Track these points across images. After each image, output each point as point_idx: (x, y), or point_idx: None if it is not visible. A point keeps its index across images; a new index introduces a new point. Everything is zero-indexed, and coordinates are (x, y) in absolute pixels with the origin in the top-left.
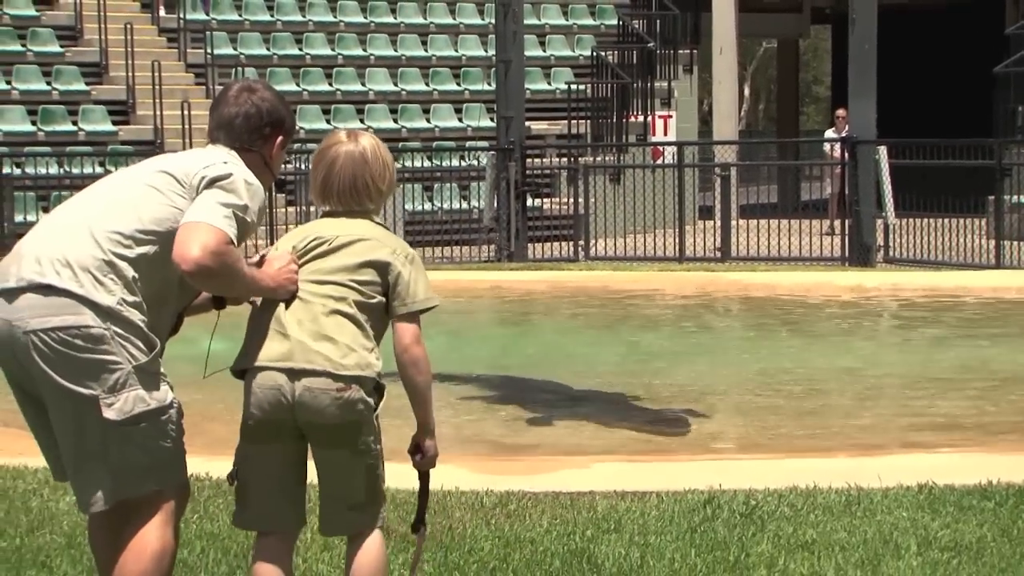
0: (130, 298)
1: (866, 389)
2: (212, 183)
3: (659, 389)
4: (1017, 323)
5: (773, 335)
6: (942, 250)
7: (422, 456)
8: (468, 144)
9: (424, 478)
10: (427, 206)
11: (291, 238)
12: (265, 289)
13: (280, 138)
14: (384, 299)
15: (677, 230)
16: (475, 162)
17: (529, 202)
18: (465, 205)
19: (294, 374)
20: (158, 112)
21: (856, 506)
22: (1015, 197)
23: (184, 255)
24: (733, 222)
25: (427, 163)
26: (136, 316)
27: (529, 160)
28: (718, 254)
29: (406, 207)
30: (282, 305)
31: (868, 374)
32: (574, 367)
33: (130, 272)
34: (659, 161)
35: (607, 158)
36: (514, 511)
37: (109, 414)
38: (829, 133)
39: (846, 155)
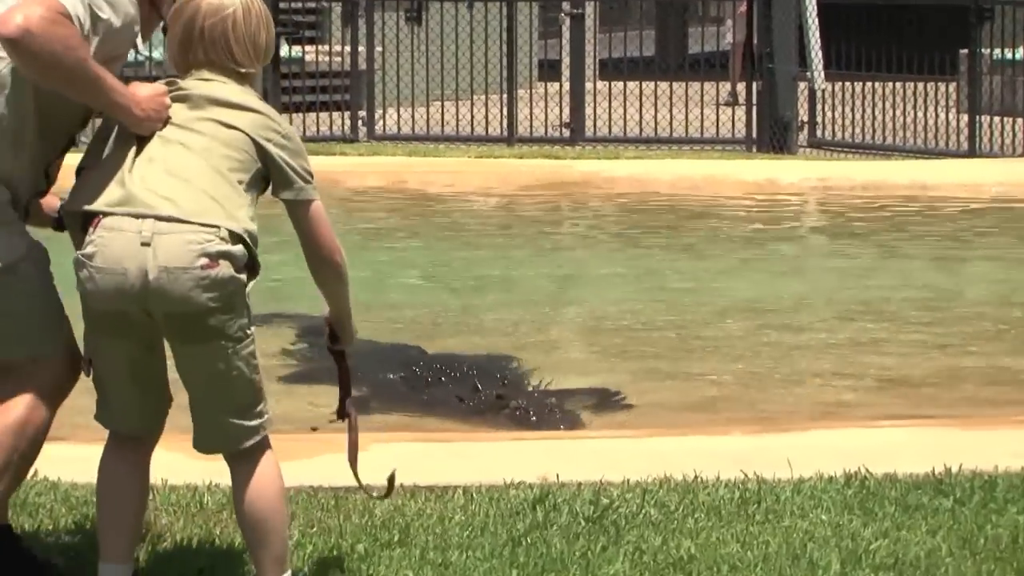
0: None
1: (773, 335)
2: None
3: (471, 333)
4: (996, 236)
5: (641, 254)
6: (891, 129)
7: (337, 342)
8: None
9: (341, 356)
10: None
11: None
12: (117, 103)
13: None
14: (257, 176)
15: (506, 97)
16: None
17: (283, 51)
18: None
19: (144, 222)
20: None
21: (755, 506)
22: (997, 51)
23: (4, 19)
24: (589, 85)
25: None
26: None
27: None
28: (566, 133)
29: None
30: (131, 145)
31: (777, 312)
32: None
33: None
34: None
35: None
36: None
37: None
38: None
39: None
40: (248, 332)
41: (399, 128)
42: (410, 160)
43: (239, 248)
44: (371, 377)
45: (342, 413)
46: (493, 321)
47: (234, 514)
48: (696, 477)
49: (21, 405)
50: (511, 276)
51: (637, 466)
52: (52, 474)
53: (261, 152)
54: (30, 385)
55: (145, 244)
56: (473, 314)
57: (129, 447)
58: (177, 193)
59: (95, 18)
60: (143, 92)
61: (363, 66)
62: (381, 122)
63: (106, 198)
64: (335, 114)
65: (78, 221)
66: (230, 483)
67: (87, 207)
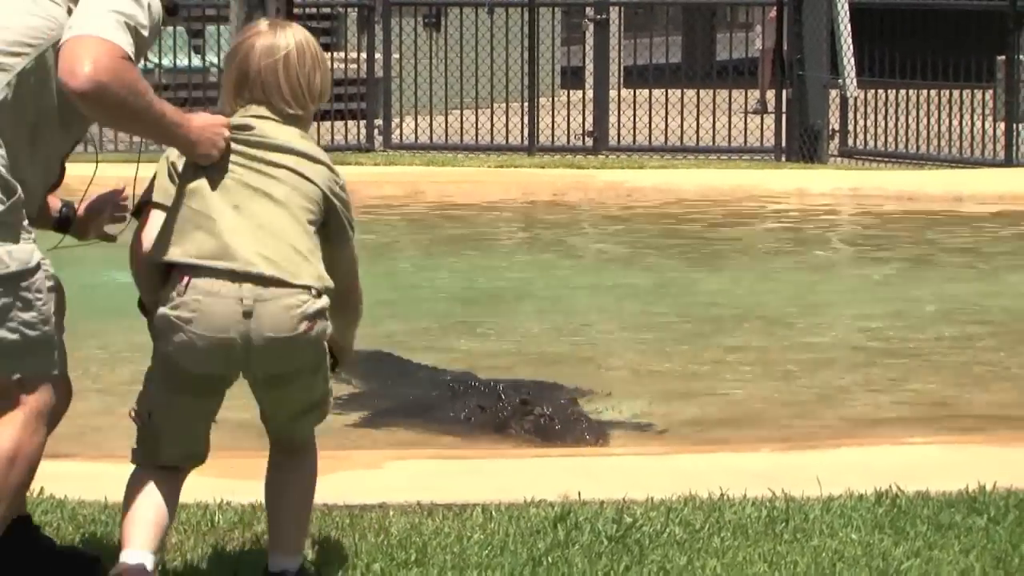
0: None
1: (801, 349)
2: None
3: (493, 349)
4: None
5: (665, 266)
6: (925, 138)
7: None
8: None
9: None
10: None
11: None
12: (179, 136)
13: None
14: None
15: (527, 105)
16: None
17: None
18: (198, 62)
19: (243, 287)
20: None
21: (783, 525)
22: None
23: (74, 70)
24: (613, 93)
25: None
26: None
27: None
28: (589, 142)
29: None
30: (209, 185)
31: (808, 329)
32: (366, 316)
33: None
34: None
35: None
36: (262, 533)
37: None
38: None
39: None
40: (325, 355)
41: (416, 137)
42: (428, 170)
43: (325, 299)
44: (392, 390)
45: None
46: (513, 333)
47: (266, 509)
48: (722, 495)
49: (5, 437)
50: (531, 288)
51: (661, 484)
52: (59, 492)
53: (328, 205)
54: (17, 410)
55: (247, 314)
56: (493, 326)
57: (165, 477)
58: (272, 250)
59: (139, 40)
60: (197, 120)
61: (380, 73)
62: (398, 131)
63: (197, 249)
64: (351, 123)
65: (160, 269)
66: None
67: (178, 259)
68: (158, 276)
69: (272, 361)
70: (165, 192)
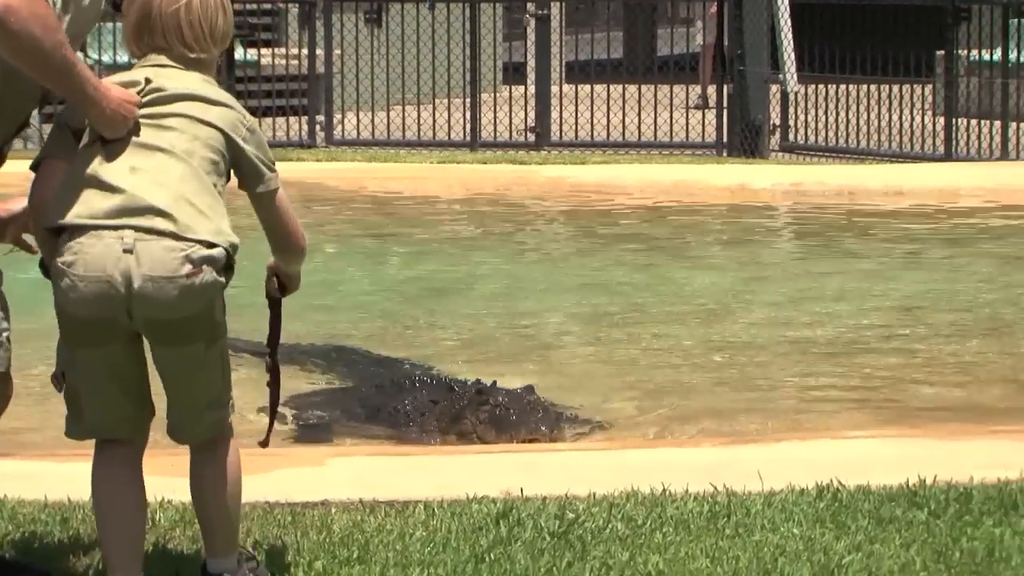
0: None
1: (745, 346)
2: None
3: (436, 342)
4: (974, 242)
5: (608, 261)
6: (865, 133)
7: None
8: None
9: (277, 306)
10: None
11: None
12: (88, 95)
13: None
14: (227, 173)
15: (469, 101)
16: None
17: (238, 53)
18: None
19: (133, 241)
20: None
21: (725, 520)
22: (974, 53)
23: None
24: (555, 89)
25: None
26: None
27: None
28: (532, 138)
29: None
30: (106, 148)
31: (749, 323)
32: (311, 313)
33: None
34: None
35: None
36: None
37: None
38: None
39: None
40: (224, 330)
41: (358, 133)
42: (370, 166)
43: (219, 251)
44: (338, 387)
45: (271, 366)
46: (458, 329)
47: (194, 507)
48: (664, 490)
49: None
50: (475, 284)
51: (603, 479)
52: None
53: (232, 148)
54: None
55: (127, 251)
56: (437, 322)
57: (121, 454)
58: (169, 206)
59: (73, 3)
60: (115, 92)
61: (321, 69)
62: (340, 127)
63: (92, 209)
64: (292, 119)
65: (54, 233)
66: (182, 499)
67: (75, 220)
68: (54, 239)
69: (152, 305)
70: (58, 145)
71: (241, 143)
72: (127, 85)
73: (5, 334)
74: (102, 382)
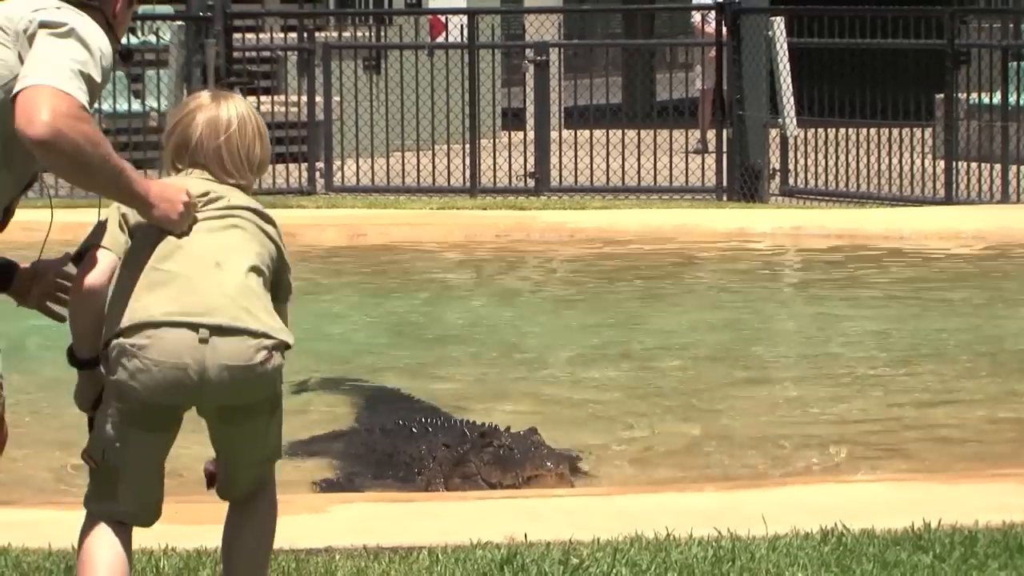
0: None
1: (745, 389)
2: (43, 28)
3: (441, 390)
4: (975, 285)
5: (609, 307)
6: (865, 176)
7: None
8: (141, 10)
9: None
10: None
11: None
12: (137, 195)
13: None
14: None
15: (468, 147)
16: (152, 38)
17: None
18: (137, 107)
19: (210, 335)
20: None
21: (729, 564)
22: (974, 96)
23: (32, 118)
24: (554, 134)
25: None
26: None
27: (238, 36)
28: (531, 183)
29: None
30: (173, 241)
31: (751, 367)
32: (308, 360)
33: None
34: (440, 39)
35: (360, 34)
36: None
37: None
38: None
39: (724, 31)
40: (281, 397)
41: (358, 180)
42: (370, 212)
43: (283, 343)
44: (342, 433)
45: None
46: (460, 375)
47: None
48: (668, 535)
49: None
50: (475, 330)
51: (607, 525)
52: (2, 539)
53: (280, 263)
54: None
55: (203, 341)
56: (439, 368)
57: (120, 530)
58: (253, 305)
59: (92, 87)
60: (157, 185)
61: (320, 116)
62: (339, 174)
63: (182, 307)
64: (292, 166)
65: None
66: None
67: (161, 318)
68: (100, 327)
69: (226, 392)
70: (114, 240)
71: (287, 259)
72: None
73: None
74: (146, 466)
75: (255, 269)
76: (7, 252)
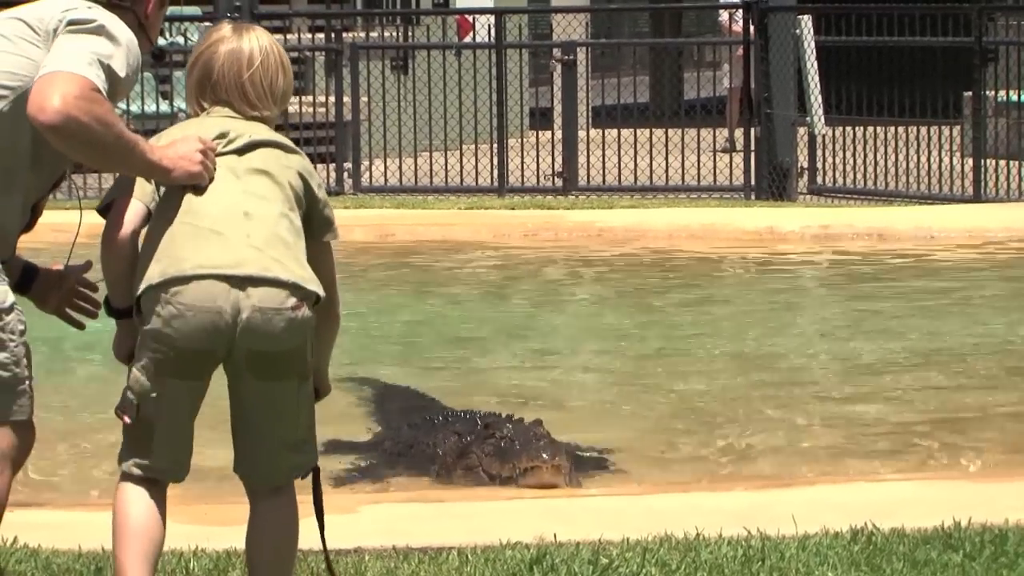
0: None
1: (777, 389)
2: (71, 25)
3: (470, 391)
4: (1003, 284)
5: (637, 306)
6: (893, 175)
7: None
8: (168, 12)
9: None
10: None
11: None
12: (154, 165)
13: None
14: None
15: (496, 146)
16: (180, 40)
17: None
18: (166, 107)
19: (242, 284)
20: None
21: (759, 564)
22: (1002, 94)
23: (43, 105)
24: (582, 134)
25: None
26: None
27: None
28: (559, 182)
29: None
30: (199, 191)
31: (780, 368)
32: (338, 357)
33: None
34: (468, 39)
35: (387, 34)
36: None
37: None
38: None
39: (752, 29)
40: (310, 373)
41: (386, 180)
42: (398, 212)
43: (312, 293)
44: (369, 431)
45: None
46: (487, 374)
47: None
48: (698, 535)
49: None
50: (504, 330)
51: (637, 524)
52: (32, 541)
53: (310, 195)
54: None
55: (236, 287)
56: (465, 367)
57: (155, 488)
58: (275, 254)
59: (113, 79)
60: (170, 149)
61: (348, 117)
62: (367, 174)
63: (212, 260)
64: (319, 166)
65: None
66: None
67: (192, 272)
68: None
69: (259, 336)
70: (143, 190)
71: (316, 190)
72: (213, 138)
73: (29, 382)
74: (180, 417)
75: (284, 215)
76: (37, 254)
